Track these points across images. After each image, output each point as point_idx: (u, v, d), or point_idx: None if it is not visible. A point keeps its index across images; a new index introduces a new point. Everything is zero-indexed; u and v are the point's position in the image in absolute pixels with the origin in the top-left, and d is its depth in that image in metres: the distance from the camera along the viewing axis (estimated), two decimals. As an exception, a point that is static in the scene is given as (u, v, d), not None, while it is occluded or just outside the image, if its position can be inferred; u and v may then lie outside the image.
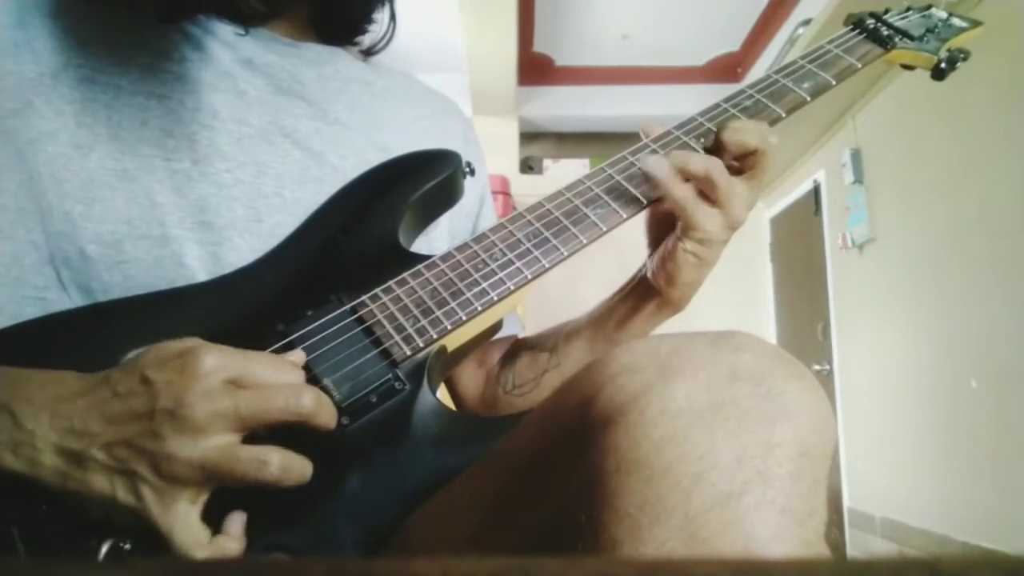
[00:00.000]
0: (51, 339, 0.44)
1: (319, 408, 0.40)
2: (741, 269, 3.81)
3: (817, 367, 3.16)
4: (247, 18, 0.52)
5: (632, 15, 3.05)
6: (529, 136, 3.86)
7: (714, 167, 0.51)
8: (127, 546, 0.36)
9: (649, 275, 0.57)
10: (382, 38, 0.64)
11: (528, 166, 3.89)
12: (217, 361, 0.37)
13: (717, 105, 0.60)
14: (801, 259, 3.44)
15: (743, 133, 0.53)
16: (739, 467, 0.29)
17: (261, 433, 0.38)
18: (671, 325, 0.35)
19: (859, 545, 2.81)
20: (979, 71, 1.92)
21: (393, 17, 0.63)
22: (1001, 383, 1.97)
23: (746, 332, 0.35)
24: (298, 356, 0.44)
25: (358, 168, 0.56)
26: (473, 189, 0.66)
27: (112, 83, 0.50)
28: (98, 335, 0.44)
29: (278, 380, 0.39)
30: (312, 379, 0.44)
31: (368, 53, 0.65)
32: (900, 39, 0.66)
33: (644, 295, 0.58)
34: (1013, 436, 1.91)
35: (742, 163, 0.54)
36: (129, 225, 0.47)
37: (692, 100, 3.51)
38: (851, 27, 0.68)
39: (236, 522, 0.38)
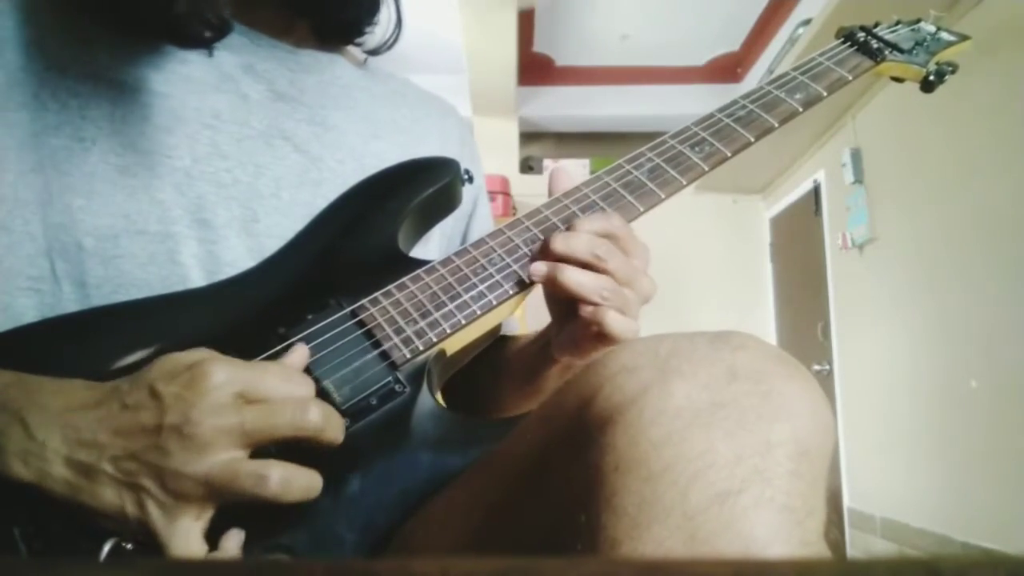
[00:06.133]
0: (54, 342, 0.44)
1: (326, 423, 0.40)
2: (741, 269, 3.81)
3: (817, 367, 3.15)
4: (195, 42, 0.51)
5: (632, 15, 3.05)
6: (529, 136, 3.86)
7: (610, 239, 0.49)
8: (129, 546, 0.36)
9: (555, 347, 0.54)
10: (388, 39, 0.65)
11: (528, 166, 3.89)
12: (226, 374, 0.37)
13: (711, 115, 0.60)
14: (801, 259, 3.44)
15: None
16: (738, 466, 0.29)
17: (271, 449, 0.39)
18: (670, 324, 0.35)
19: (859, 545, 2.81)
20: (979, 72, 1.92)
21: (399, 20, 0.64)
22: (1001, 383, 1.97)
23: (745, 332, 0.35)
24: (302, 353, 0.44)
25: (356, 172, 0.56)
26: (466, 192, 0.66)
27: (117, 80, 0.50)
28: (102, 338, 0.44)
29: (287, 392, 0.39)
30: (313, 381, 0.44)
31: (373, 53, 0.65)
32: (890, 52, 0.68)
33: (549, 363, 0.56)
34: (1013, 436, 1.91)
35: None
36: (127, 220, 0.48)
37: (692, 100, 3.51)
38: (842, 39, 0.69)
39: (233, 540, 0.38)
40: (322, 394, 0.44)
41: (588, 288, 0.48)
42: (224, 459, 0.36)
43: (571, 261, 0.49)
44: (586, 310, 0.48)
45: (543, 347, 0.57)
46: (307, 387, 0.41)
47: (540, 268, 0.50)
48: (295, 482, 0.38)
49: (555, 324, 0.55)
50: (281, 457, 0.38)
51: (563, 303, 0.51)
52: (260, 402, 0.38)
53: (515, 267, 0.51)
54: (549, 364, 0.57)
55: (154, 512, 0.35)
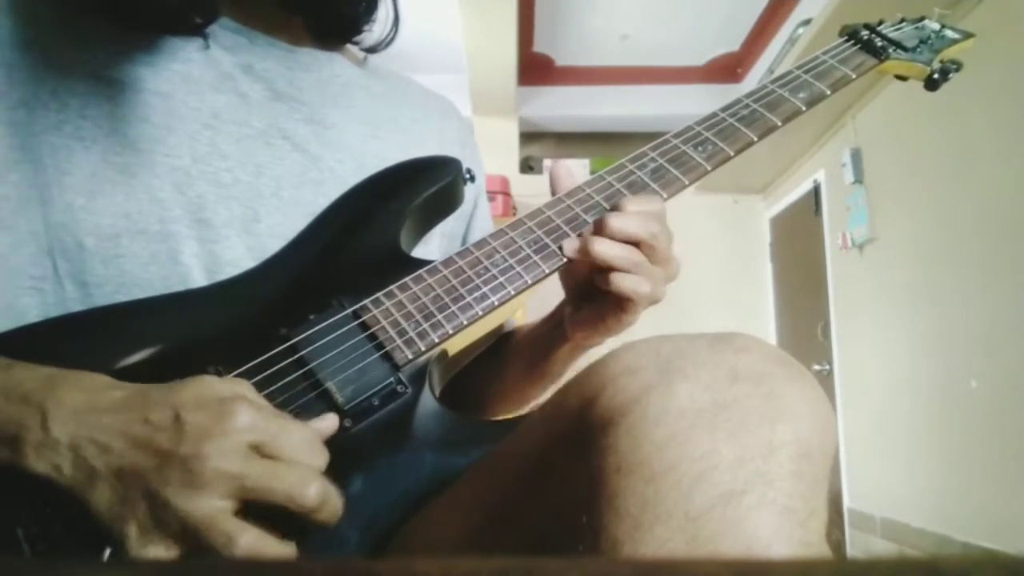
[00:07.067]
0: (59, 341, 0.44)
1: (322, 504, 0.38)
2: (741, 269, 3.81)
3: (817, 367, 3.15)
4: (187, 28, 0.51)
5: (632, 15, 3.05)
6: (529, 136, 3.85)
7: (657, 229, 0.51)
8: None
9: (571, 324, 0.57)
10: (385, 37, 0.65)
11: (528, 166, 3.89)
12: (251, 420, 0.37)
13: (714, 114, 0.60)
14: (801, 259, 3.44)
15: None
16: (740, 467, 0.29)
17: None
18: (671, 325, 0.36)
19: (859, 545, 2.81)
20: (978, 71, 1.92)
21: (397, 18, 0.64)
22: (1001, 383, 1.97)
23: (747, 333, 0.35)
24: (331, 423, 0.43)
25: (356, 171, 0.56)
26: (467, 192, 0.66)
27: (116, 79, 0.50)
28: (107, 338, 0.44)
29: (300, 458, 0.38)
30: (315, 382, 0.44)
31: (371, 51, 0.65)
32: (894, 50, 0.68)
33: (560, 341, 0.59)
34: (1013, 436, 1.91)
35: None
36: (128, 219, 0.48)
37: (692, 100, 3.51)
38: (845, 38, 0.68)
39: None
40: (325, 395, 0.44)
41: (619, 259, 0.50)
42: (210, 506, 0.35)
43: (626, 241, 0.51)
44: (617, 281, 0.50)
45: (554, 327, 0.60)
46: (321, 458, 0.39)
47: (573, 243, 0.52)
48: (264, 553, 0.36)
49: (571, 303, 0.57)
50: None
51: (581, 281, 0.54)
52: (270, 458, 0.37)
53: (518, 268, 0.51)
54: (560, 343, 0.59)
55: (132, 531, 0.35)
